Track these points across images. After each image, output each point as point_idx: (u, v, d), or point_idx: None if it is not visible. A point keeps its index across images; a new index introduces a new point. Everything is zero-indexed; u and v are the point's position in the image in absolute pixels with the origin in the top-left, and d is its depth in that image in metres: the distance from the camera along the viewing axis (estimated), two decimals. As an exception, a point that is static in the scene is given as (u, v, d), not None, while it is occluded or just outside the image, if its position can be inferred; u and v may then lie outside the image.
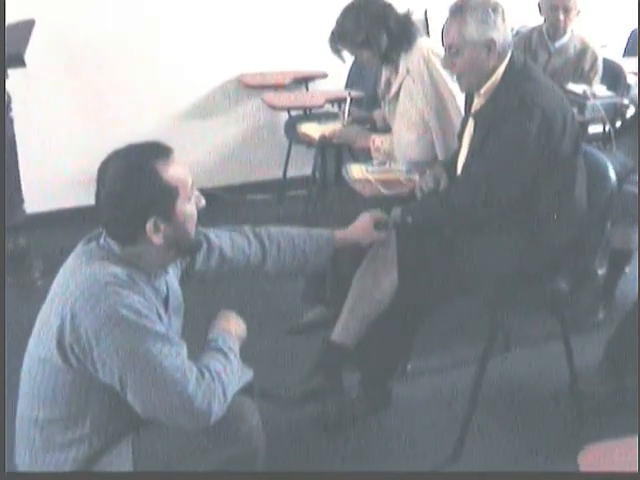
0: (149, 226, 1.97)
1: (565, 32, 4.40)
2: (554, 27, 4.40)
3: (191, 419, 1.94)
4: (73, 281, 1.96)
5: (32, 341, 2.07)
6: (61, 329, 1.91)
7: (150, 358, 1.91)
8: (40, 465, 2.04)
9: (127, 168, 1.98)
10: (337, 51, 3.47)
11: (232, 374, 2.06)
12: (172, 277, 2.21)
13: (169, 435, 2.03)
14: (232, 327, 2.23)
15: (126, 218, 1.98)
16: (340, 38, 3.41)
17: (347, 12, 3.40)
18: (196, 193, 2.09)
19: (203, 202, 2.11)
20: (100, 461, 2.04)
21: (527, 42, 4.51)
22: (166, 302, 2.13)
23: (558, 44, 4.43)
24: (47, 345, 1.96)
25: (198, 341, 2.15)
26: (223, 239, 2.47)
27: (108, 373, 1.92)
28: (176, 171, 2.00)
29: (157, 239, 2.00)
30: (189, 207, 2.04)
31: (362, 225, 2.73)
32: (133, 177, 1.97)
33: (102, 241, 2.06)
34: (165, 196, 1.98)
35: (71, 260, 2.06)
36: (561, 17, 4.34)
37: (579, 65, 4.41)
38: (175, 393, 1.91)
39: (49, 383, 1.99)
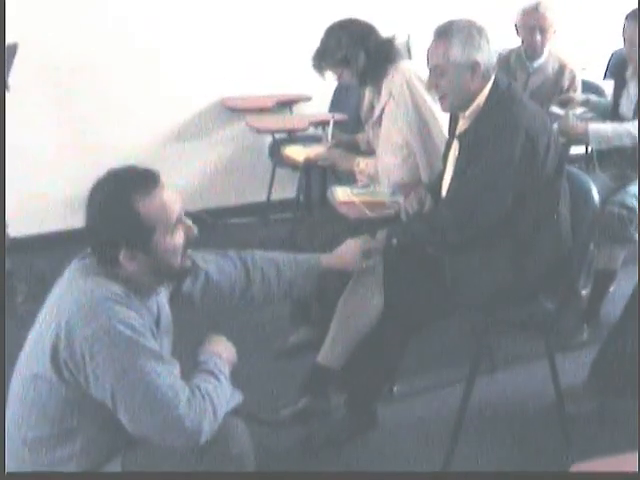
0: (122, 256, 1.99)
1: (543, 52, 4.45)
2: (531, 47, 4.45)
3: (181, 438, 1.93)
4: (69, 296, 1.96)
5: (23, 360, 2.07)
6: (56, 343, 1.92)
7: (143, 375, 1.91)
8: None
9: (105, 198, 2.01)
10: (319, 69, 3.53)
11: (222, 395, 2.06)
12: (163, 298, 2.22)
13: (159, 457, 2.02)
14: (222, 351, 2.23)
15: (103, 246, 2.02)
16: (322, 55, 3.50)
17: (330, 31, 3.49)
18: (187, 223, 2.09)
19: (195, 232, 2.11)
20: None
21: (505, 63, 4.56)
22: (158, 322, 2.13)
23: (536, 64, 4.48)
24: (41, 360, 1.95)
25: (186, 362, 2.15)
26: (209, 263, 2.48)
27: (100, 388, 1.92)
28: (156, 204, 2.00)
29: (132, 267, 2.01)
30: (170, 239, 2.04)
31: (348, 252, 2.74)
32: (109, 208, 2.00)
33: (95, 260, 2.06)
34: (140, 231, 1.99)
35: (66, 276, 2.06)
36: (538, 37, 4.39)
37: (558, 84, 4.46)
38: (166, 411, 1.91)
39: (40, 400, 1.98)
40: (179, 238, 2.06)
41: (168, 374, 1.94)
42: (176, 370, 1.99)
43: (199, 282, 2.44)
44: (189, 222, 2.09)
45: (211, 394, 2.01)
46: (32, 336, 2.05)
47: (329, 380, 2.84)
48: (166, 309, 2.22)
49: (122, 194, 1.99)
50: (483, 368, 3.11)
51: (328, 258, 2.73)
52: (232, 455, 2.07)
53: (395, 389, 3.29)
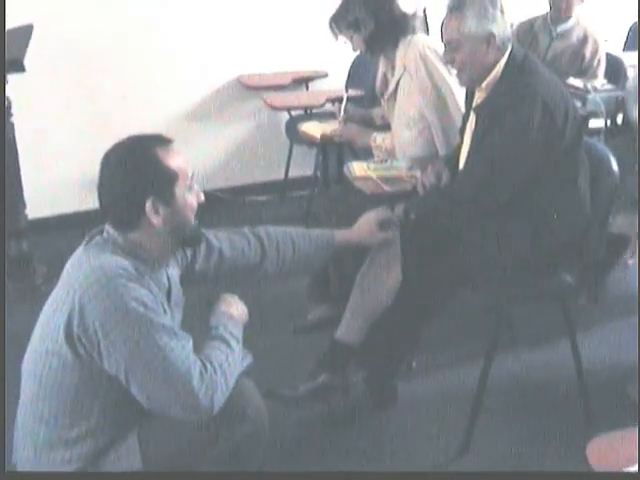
0: (148, 206, 2.01)
1: (568, 17, 4.47)
2: (557, 12, 4.50)
3: (194, 413, 1.96)
4: (81, 273, 1.98)
5: (36, 337, 2.08)
6: (69, 320, 1.93)
7: (156, 351, 1.93)
8: (44, 463, 2.05)
9: (127, 152, 2.06)
10: (333, 30, 3.54)
11: (234, 362, 2.09)
12: (172, 270, 2.23)
13: (175, 427, 2.04)
14: (233, 311, 2.25)
15: (126, 200, 2.03)
16: (335, 17, 3.51)
17: None
18: (196, 188, 2.12)
19: (202, 197, 2.15)
20: (107, 456, 2.05)
21: (530, 26, 4.57)
22: (168, 294, 2.15)
23: (560, 28, 4.50)
24: (55, 337, 1.97)
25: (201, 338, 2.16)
26: (222, 240, 2.50)
27: (114, 364, 1.94)
28: (176, 159, 2.06)
29: (157, 221, 2.03)
30: (188, 196, 2.08)
31: (365, 226, 2.74)
32: (133, 160, 2.04)
33: (105, 234, 2.09)
34: (164, 179, 2.03)
35: (78, 254, 2.08)
36: (564, 1, 4.40)
37: (580, 52, 4.45)
38: (179, 386, 1.93)
39: (56, 378, 2.00)
40: (195, 198, 2.11)
41: (181, 349, 1.96)
42: (189, 344, 2.01)
43: (212, 259, 2.45)
44: (197, 187, 2.13)
45: (223, 365, 2.03)
46: (45, 313, 2.07)
47: (348, 356, 2.84)
48: (176, 282, 2.24)
49: (144, 146, 2.05)
50: (503, 343, 3.09)
51: (343, 234, 2.72)
52: (249, 414, 2.11)
53: (414, 364, 3.28)
